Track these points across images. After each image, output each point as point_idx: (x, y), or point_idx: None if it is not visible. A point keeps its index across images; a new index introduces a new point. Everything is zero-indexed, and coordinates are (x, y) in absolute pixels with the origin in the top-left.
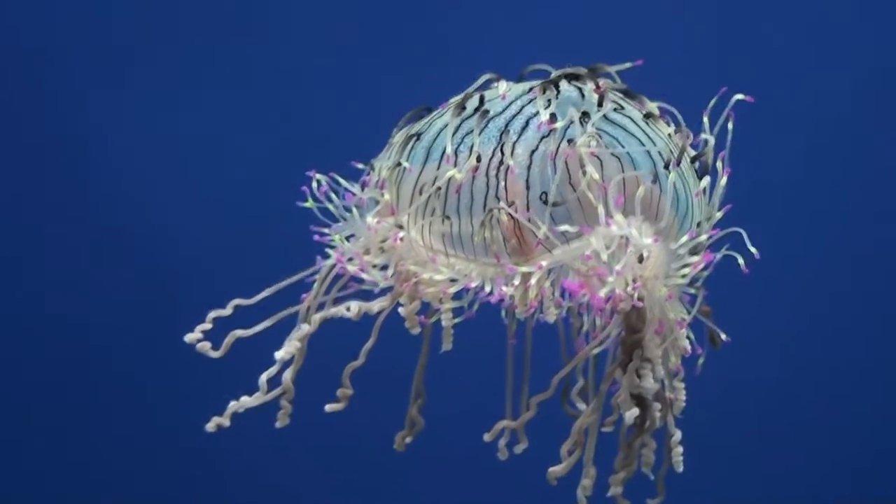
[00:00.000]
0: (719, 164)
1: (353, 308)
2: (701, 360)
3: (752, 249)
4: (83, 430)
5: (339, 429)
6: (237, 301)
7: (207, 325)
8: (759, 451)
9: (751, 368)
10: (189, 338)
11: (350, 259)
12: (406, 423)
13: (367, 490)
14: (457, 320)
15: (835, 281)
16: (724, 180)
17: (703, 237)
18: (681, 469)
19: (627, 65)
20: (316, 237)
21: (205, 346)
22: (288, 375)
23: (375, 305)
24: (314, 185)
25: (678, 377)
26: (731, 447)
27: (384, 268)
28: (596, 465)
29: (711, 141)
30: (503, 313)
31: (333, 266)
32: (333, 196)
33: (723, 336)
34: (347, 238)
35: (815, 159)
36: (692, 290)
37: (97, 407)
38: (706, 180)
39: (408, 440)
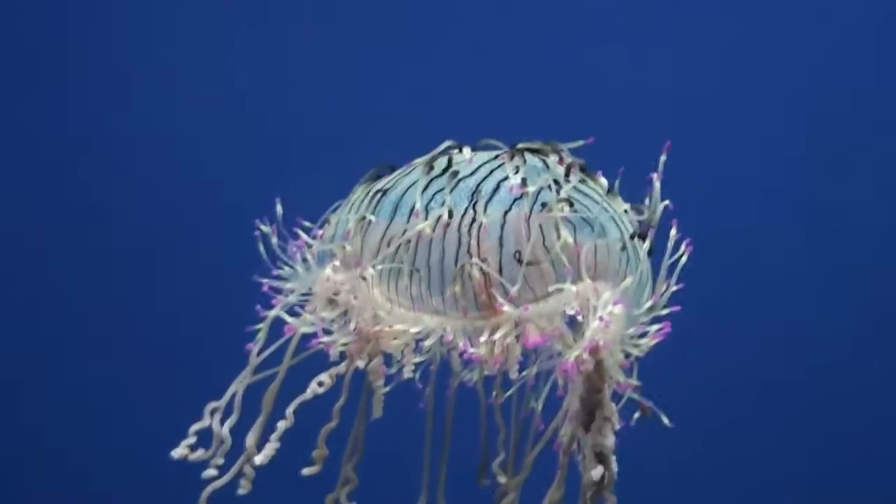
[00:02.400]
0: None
1: (326, 380)
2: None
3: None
4: None
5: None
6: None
7: (192, 440)
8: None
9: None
10: (177, 454)
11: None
12: (340, 480)
13: None
14: (386, 389)
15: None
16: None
17: (659, 306)
18: None
19: (580, 143)
20: (264, 287)
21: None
22: (251, 440)
23: (343, 368)
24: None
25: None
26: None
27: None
28: None
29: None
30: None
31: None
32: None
33: (649, 407)
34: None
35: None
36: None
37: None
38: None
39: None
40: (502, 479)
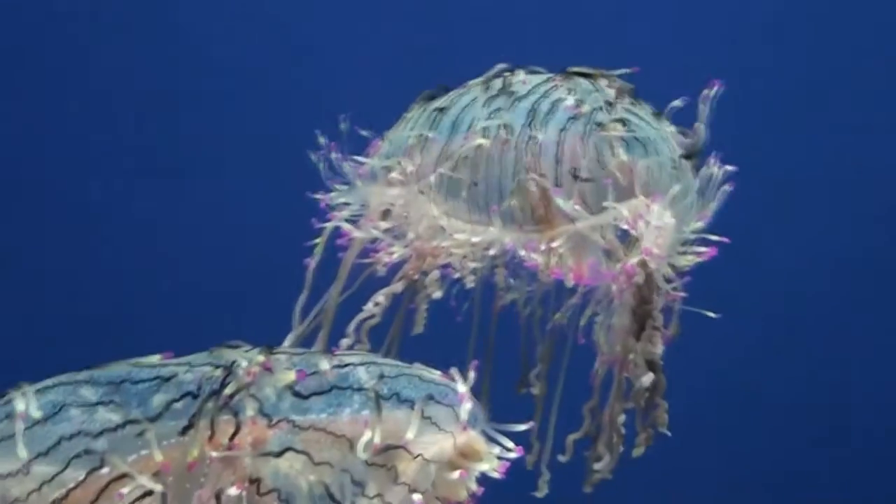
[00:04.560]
0: (716, 162)
1: (382, 298)
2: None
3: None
4: None
5: None
6: None
7: None
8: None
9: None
10: None
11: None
12: None
13: None
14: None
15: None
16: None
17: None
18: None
19: (626, 70)
20: (321, 202)
21: None
22: None
23: (398, 286)
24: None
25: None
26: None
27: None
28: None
29: (705, 134)
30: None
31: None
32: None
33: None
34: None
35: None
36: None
37: None
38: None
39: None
40: (538, 391)
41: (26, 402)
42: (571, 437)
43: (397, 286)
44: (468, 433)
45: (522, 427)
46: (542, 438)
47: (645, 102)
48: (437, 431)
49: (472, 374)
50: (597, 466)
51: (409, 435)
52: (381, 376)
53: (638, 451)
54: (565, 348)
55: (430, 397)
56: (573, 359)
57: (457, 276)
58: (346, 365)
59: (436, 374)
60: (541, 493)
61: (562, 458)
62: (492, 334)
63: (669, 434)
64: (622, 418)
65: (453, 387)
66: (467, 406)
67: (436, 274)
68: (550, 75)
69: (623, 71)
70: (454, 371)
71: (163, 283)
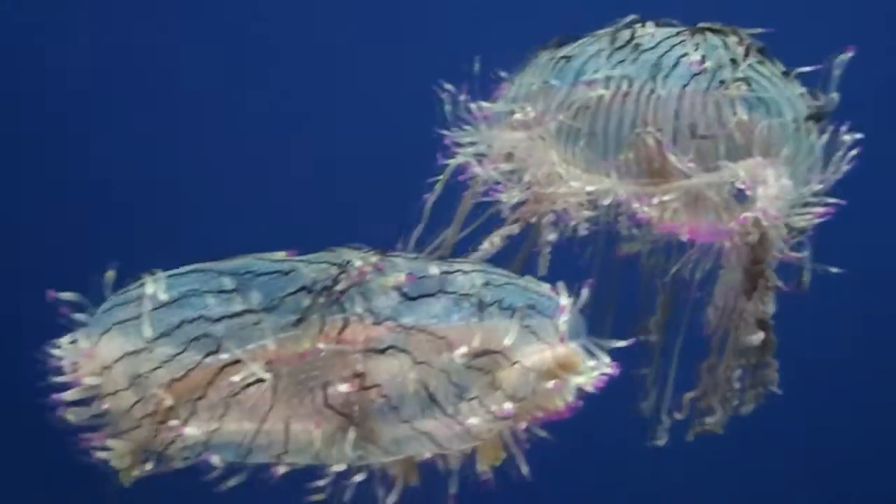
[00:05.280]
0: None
1: (496, 240)
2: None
3: None
4: None
5: None
6: None
7: None
8: None
9: None
10: None
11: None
12: None
13: None
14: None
15: None
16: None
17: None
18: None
19: (759, 30)
20: (447, 141)
21: None
22: None
23: (513, 228)
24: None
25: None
26: None
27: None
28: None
29: (835, 100)
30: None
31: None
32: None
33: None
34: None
35: None
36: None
37: None
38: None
39: None
40: (655, 338)
41: (155, 286)
42: (688, 396)
43: (513, 228)
44: (567, 345)
45: (621, 343)
46: (660, 386)
47: (775, 61)
48: (537, 341)
49: (584, 291)
50: (708, 420)
51: (508, 341)
52: (487, 283)
53: (746, 409)
54: (683, 300)
55: (532, 307)
56: (690, 312)
57: (572, 222)
58: (456, 271)
59: (543, 287)
60: (660, 441)
61: (678, 416)
62: (612, 280)
63: (780, 392)
64: (736, 374)
65: (557, 300)
66: (567, 318)
67: (550, 217)
68: (680, 29)
69: (756, 30)
70: (561, 285)
71: (295, 216)
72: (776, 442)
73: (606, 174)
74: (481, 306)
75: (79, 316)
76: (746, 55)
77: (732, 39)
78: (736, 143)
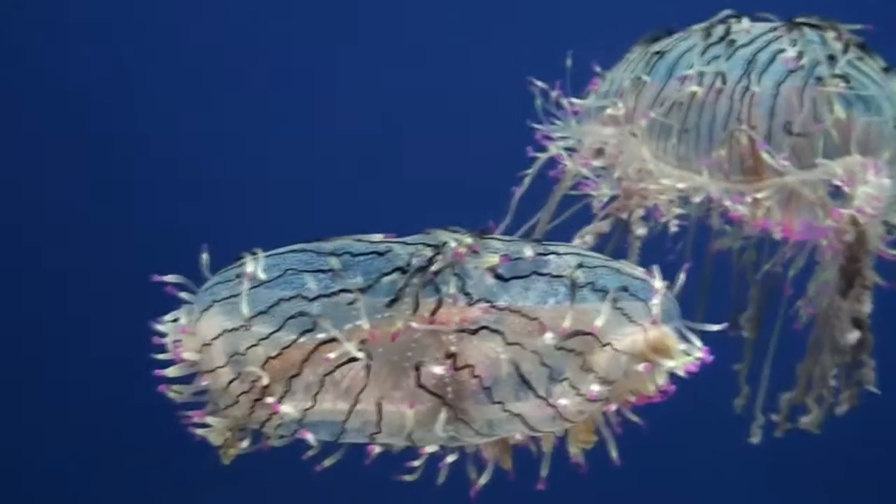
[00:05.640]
0: None
1: (588, 237)
2: None
3: None
4: None
5: None
6: None
7: None
8: None
9: None
10: None
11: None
12: None
13: None
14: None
15: None
16: None
17: None
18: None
19: (859, 25)
20: (538, 135)
21: None
22: None
23: (604, 225)
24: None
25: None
26: None
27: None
28: None
29: None
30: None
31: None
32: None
33: None
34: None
35: None
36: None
37: None
38: None
39: None
40: (749, 334)
41: (255, 265)
42: (786, 397)
43: (603, 224)
44: (659, 328)
45: (716, 327)
46: (754, 382)
47: (875, 57)
48: (629, 324)
49: (681, 276)
50: (803, 420)
51: (599, 322)
52: (581, 266)
53: (842, 409)
54: (777, 297)
55: (625, 289)
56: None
57: (663, 219)
58: (550, 253)
59: (637, 270)
60: (755, 438)
61: (774, 418)
62: (706, 274)
63: (878, 392)
64: (833, 372)
65: (651, 283)
66: (660, 301)
67: (640, 212)
68: (776, 24)
69: (856, 26)
70: (654, 268)
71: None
72: (872, 443)
73: (698, 171)
74: (574, 288)
75: (183, 295)
76: (845, 51)
77: (830, 35)
78: (833, 141)
